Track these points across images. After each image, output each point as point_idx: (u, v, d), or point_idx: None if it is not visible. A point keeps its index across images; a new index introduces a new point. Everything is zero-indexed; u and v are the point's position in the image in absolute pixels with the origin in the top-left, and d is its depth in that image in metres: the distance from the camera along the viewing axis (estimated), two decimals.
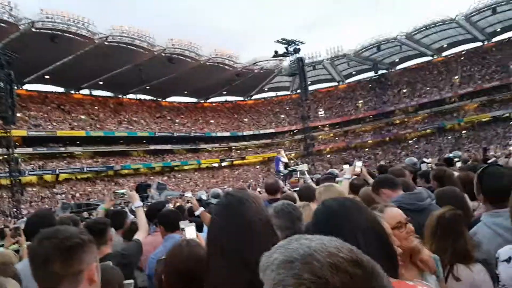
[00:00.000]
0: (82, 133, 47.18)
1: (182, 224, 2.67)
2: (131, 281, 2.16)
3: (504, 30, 55.33)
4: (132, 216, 6.07)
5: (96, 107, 53.80)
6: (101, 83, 51.69)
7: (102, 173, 49.23)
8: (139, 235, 3.30)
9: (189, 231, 2.59)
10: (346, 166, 4.66)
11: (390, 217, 1.76)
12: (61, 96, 52.08)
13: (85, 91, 54.94)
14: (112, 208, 4.77)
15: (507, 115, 52.38)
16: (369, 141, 61.84)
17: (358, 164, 4.46)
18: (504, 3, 47.47)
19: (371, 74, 64.72)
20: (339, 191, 3.37)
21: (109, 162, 49.44)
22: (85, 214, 14.95)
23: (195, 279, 1.72)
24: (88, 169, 47.10)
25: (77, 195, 41.44)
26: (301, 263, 0.59)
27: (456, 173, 5.41)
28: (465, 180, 3.71)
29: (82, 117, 50.29)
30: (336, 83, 69.46)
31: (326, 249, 0.61)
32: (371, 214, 1.26)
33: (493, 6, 47.72)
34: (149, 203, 8.93)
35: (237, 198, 1.52)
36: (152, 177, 47.97)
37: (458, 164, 7.43)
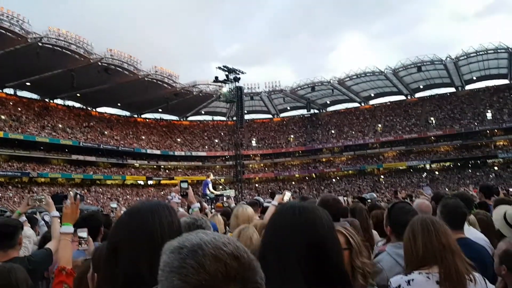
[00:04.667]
0: None
1: (79, 231, 2.72)
2: None
3: (426, 87, 61.00)
4: (42, 222, 5.88)
5: (19, 109, 50.33)
6: (28, 84, 48.65)
7: (15, 179, 45.72)
8: (51, 244, 3.17)
9: (81, 234, 2.70)
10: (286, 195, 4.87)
11: None
12: None
13: (9, 91, 51.30)
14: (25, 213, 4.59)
15: (422, 166, 57.07)
16: (296, 175, 63.80)
17: (288, 194, 4.76)
18: (429, 63, 52.40)
19: (304, 112, 67.53)
20: (249, 215, 3.53)
21: (25, 168, 46.06)
22: None
23: None
24: (1, 172, 43.69)
25: None
26: (189, 250, 0.73)
27: None
28: (377, 217, 4.09)
29: (2, 117, 46.74)
30: (271, 116, 71.51)
31: (214, 242, 0.74)
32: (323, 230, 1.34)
33: (419, 64, 52.29)
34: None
35: (146, 207, 1.43)
36: (70, 189, 45.25)
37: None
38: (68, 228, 2.60)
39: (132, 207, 1.48)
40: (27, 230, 4.31)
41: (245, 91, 54.47)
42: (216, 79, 47.59)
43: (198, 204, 3.50)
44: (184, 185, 3.55)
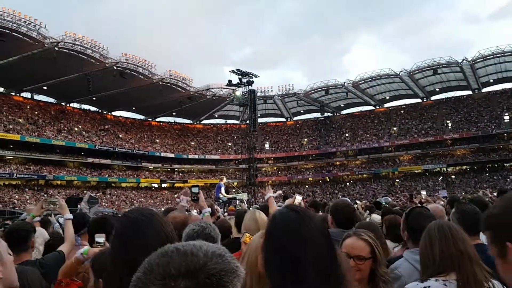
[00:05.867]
0: (16, 137, 44.56)
1: (96, 236, 2.73)
2: None
3: (442, 90, 60.17)
4: (57, 224, 5.92)
5: (36, 112, 51.22)
6: (45, 88, 49.50)
7: (32, 182, 46.42)
8: (63, 247, 3.20)
9: (98, 239, 2.70)
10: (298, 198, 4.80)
11: (351, 247, 1.93)
12: None
13: (27, 94, 52.27)
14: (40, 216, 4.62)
15: (437, 169, 56.23)
16: (309, 178, 63.48)
17: (298, 198, 4.71)
18: (445, 66, 51.72)
19: (317, 115, 67.26)
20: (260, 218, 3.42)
21: (41, 171, 46.80)
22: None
23: None
24: (18, 175, 44.30)
25: (3, 201, 38.59)
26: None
27: (378, 216, 5.90)
28: (390, 222, 3.99)
29: (20, 120, 47.59)
30: (284, 119, 71.37)
31: (181, 244, 0.77)
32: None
33: (435, 67, 51.67)
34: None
35: (133, 220, 1.46)
36: (85, 191, 45.77)
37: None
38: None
39: (116, 228, 1.52)
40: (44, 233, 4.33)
41: (258, 94, 54.49)
42: (230, 83, 47.72)
43: (209, 209, 3.47)
44: (195, 189, 3.55)
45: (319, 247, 1.31)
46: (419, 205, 4.53)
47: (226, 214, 9.19)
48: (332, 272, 1.29)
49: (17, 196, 41.60)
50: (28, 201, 40.14)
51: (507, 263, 1.10)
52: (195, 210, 7.59)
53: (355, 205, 7.86)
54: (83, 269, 2.27)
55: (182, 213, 3.20)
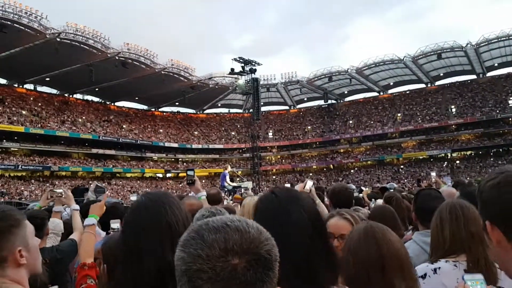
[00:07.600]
0: (21, 128, 44.75)
1: (112, 222, 2.76)
2: (56, 286, 2.18)
3: (446, 75, 59.68)
4: (66, 213, 5.97)
5: (40, 104, 51.30)
6: (47, 79, 49.47)
7: (37, 173, 46.73)
8: (74, 236, 3.22)
9: (113, 225, 2.75)
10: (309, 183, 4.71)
11: (335, 226, 1.95)
12: (2, 88, 49.15)
13: (30, 86, 52.28)
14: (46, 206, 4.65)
15: (442, 155, 56.10)
16: (313, 166, 63.50)
17: (309, 183, 4.67)
18: (449, 50, 51.24)
19: (321, 102, 66.94)
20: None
21: (46, 162, 47.04)
22: None
23: None
24: (23, 167, 44.56)
25: (9, 193, 38.89)
26: (196, 226, 0.76)
27: (380, 201, 5.88)
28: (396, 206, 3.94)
29: (23, 112, 47.71)
30: (287, 107, 71.15)
31: (222, 219, 0.76)
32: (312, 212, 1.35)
33: (439, 52, 51.18)
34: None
35: (155, 199, 1.49)
36: (90, 182, 46.05)
37: None
38: (91, 220, 2.59)
39: (140, 202, 1.52)
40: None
41: (261, 82, 54.29)
42: (232, 71, 47.51)
43: (204, 193, 3.49)
44: (191, 173, 3.54)
45: (302, 233, 1.25)
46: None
47: (231, 202, 9.26)
48: (317, 259, 1.24)
49: (22, 188, 41.92)
50: (33, 192, 40.50)
51: (489, 238, 1.12)
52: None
53: (360, 194, 7.77)
54: (100, 255, 2.31)
55: (197, 201, 3.24)
